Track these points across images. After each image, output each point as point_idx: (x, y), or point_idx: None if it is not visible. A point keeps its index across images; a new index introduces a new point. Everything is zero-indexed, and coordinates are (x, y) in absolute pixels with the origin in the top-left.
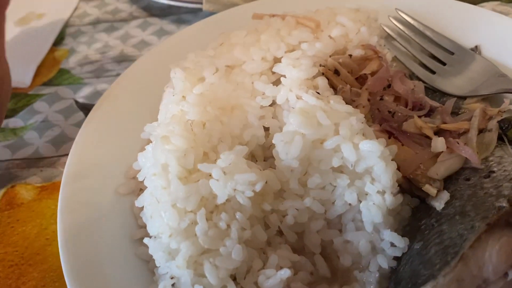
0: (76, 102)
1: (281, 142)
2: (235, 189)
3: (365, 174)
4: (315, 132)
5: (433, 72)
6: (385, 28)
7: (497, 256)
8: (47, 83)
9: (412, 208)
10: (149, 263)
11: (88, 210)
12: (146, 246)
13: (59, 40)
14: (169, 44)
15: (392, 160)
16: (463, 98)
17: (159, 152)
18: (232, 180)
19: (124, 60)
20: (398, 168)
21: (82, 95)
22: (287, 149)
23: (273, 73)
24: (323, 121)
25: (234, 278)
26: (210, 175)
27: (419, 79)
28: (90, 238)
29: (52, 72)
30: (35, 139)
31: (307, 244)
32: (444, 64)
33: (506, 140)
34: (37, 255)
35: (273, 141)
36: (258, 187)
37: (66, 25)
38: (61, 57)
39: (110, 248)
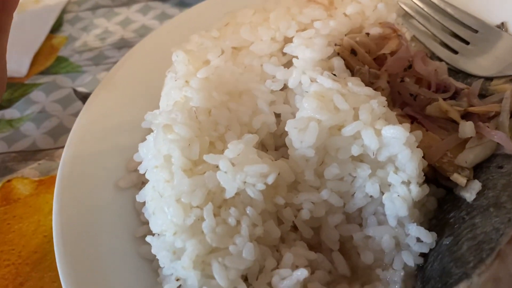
0: (75, 91)
1: (295, 130)
2: (245, 182)
3: (388, 163)
4: (332, 118)
5: (455, 52)
6: (402, 5)
7: None
8: (45, 72)
9: (438, 199)
10: (152, 262)
11: (86, 206)
12: (149, 245)
13: (56, 26)
14: (170, 27)
15: (417, 147)
16: (490, 79)
17: (161, 143)
18: (242, 172)
19: (124, 46)
20: (423, 156)
21: (81, 83)
22: (301, 137)
23: (284, 54)
24: (340, 105)
25: (245, 279)
26: (217, 167)
27: (440, 59)
28: (88, 237)
29: (50, 60)
30: (32, 130)
31: (324, 240)
32: (467, 43)
33: None
34: (34, 254)
35: (286, 128)
36: (270, 180)
37: (64, 11)
38: (59, 45)
39: (110, 247)
